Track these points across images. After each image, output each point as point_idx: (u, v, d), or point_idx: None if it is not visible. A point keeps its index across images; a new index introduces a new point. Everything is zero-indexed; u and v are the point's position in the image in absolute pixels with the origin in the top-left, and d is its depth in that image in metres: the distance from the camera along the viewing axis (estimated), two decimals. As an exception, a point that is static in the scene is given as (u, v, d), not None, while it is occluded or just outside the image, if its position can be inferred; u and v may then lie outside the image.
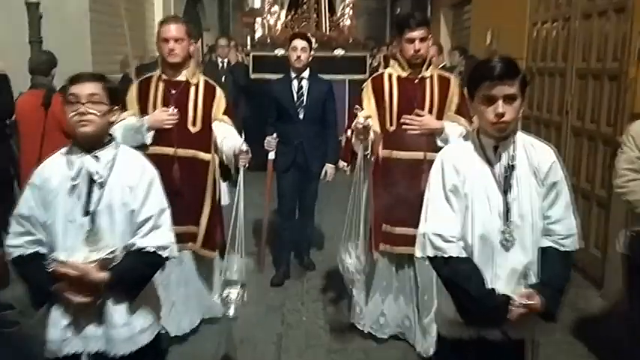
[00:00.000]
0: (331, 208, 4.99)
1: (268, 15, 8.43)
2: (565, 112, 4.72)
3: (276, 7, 9.75)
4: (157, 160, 2.29)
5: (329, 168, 4.23)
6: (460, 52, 7.15)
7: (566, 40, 4.75)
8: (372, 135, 3.05)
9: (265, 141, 3.80)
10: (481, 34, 6.58)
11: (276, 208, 4.46)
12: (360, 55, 7.84)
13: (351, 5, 8.08)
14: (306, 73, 4.25)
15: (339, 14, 8.71)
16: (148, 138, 3.16)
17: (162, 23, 3.21)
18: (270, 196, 4.18)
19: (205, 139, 3.26)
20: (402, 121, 3.16)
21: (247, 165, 3.01)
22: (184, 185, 3.13)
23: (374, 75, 3.50)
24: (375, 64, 7.45)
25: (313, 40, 8.09)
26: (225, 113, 3.31)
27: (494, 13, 6.57)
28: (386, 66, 7.72)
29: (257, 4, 17.21)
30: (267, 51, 7.81)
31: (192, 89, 3.21)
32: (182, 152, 3.18)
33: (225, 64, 7.20)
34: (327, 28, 8.38)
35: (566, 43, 4.73)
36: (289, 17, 8.64)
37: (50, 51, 4.39)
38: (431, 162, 2.14)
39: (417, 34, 3.12)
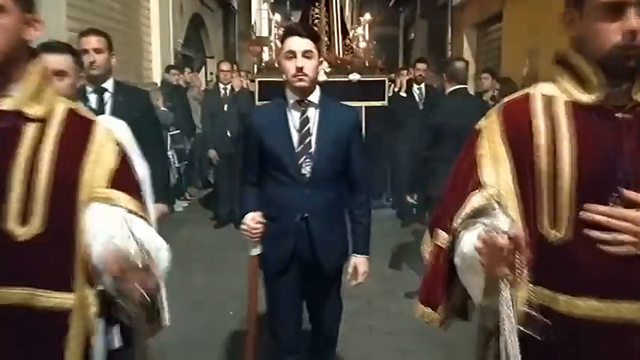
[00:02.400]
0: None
1: (276, 38, 7.71)
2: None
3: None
4: None
5: (359, 263, 2.51)
6: (492, 76, 6.36)
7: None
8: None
9: (242, 224, 2.34)
10: (514, 55, 5.78)
11: (270, 336, 2.61)
12: (378, 80, 7.05)
13: (367, 26, 7.32)
14: (314, 97, 2.39)
15: (352, 36, 7.97)
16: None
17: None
18: (254, 318, 2.53)
19: (55, 255, 1.32)
20: (586, 216, 1.30)
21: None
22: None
23: (510, 99, 1.52)
24: (397, 89, 6.66)
25: (325, 65, 7.48)
26: (122, 178, 1.38)
27: (532, 29, 5.78)
28: (408, 91, 7.01)
29: (264, 32, 16.66)
30: (274, 76, 7.03)
31: (31, 130, 1.32)
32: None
33: (227, 91, 6.44)
34: (340, 52, 7.63)
35: None
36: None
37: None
38: None
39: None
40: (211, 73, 10.87)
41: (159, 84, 7.57)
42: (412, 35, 14.37)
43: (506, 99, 1.52)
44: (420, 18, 12.70)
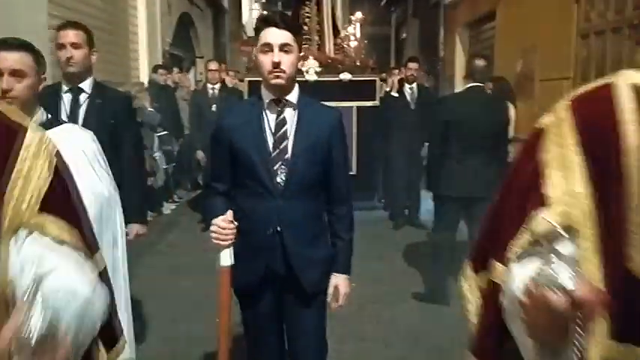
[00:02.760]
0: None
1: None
2: None
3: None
4: None
5: (340, 283, 2.21)
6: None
7: (634, 50, 3.82)
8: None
9: (211, 227, 1.99)
10: (508, 54, 5.67)
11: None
12: (370, 79, 6.94)
13: (357, 25, 7.20)
14: (293, 96, 2.07)
15: (343, 36, 7.86)
16: None
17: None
18: (225, 338, 2.12)
19: None
20: None
21: None
22: None
23: (582, 91, 1.21)
24: (388, 88, 6.54)
25: (316, 64, 7.37)
26: (56, 200, 1.16)
27: (527, 28, 5.67)
28: (400, 90, 6.91)
29: (256, 33, 16.43)
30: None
31: None
32: None
33: (216, 91, 6.28)
34: (331, 51, 7.50)
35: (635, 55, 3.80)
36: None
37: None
38: None
39: None
40: (201, 73, 10.69)
41: (146, 84, 7.40)
42: (404, 35, 14.27)
43: (577, 91, 1.19)
44: (412, 17, 12.61)
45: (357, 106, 6.91)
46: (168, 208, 7.53)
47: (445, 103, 4.11)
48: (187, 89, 8.26)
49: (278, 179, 2.02)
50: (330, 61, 6.95)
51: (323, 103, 2.25)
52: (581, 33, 4.53)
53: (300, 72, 6.96)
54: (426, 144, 6.11)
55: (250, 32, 17.70)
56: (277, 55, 1.92)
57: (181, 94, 7.95)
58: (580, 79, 4.58)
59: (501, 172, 4.24)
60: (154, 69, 7.39)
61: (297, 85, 2.09)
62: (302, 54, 2.17)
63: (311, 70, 6.85)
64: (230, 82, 6.36)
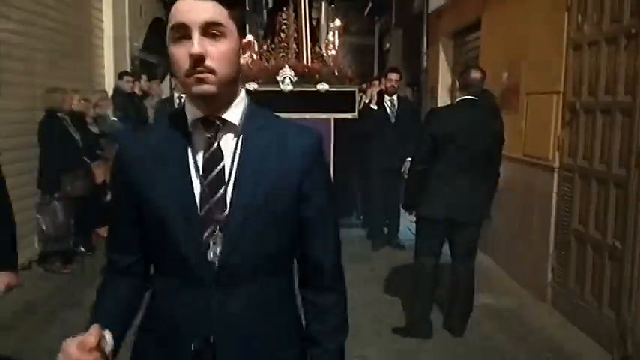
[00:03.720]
0: None
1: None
2: (636, 162, 3.39)
3: (250, 37, 8.51)
4: None
5: None
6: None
7: (630, 64, 3.47)
8: None
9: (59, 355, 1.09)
10: (493, 65, 5.32)
11: None
12: (348, 90, 6.56)
13: (336, 32, 6.83)
14: (234, 113, 1.26)
15: (323, 44, 7.47)
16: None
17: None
18: None
19: None
20: None
21: None
22: None
23: None
24: (367, 100, 6.15)
25: (292, 73, 6.97)
26: None
27: (513, 38, 5.33)
28: (379, 102, 6.53)
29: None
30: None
31: None
32: None
33: (183, 100, 5.85)
34: (309, 59, 7.12)
35: (633, 69, 3.45)
36: (264, 47, 7.39)
37: None
38: None
39: None
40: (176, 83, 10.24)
41: (111, 92, 6.96)
42: (387, 45, 13.96)
43: None
44: (396, 27, 12.29)
45: (335, 119, 6.52)
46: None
47: (436, 117, 3.74)
48: (158, 97, 7.82)
49: (210, 254, 1.20)
50: (306, 70, 6.56)
51: (292, 119, 1.45)
52: (572, 44, 4.19)
53: (274, 81, 6.58)
54: (408, 160, 5.77)
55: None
56: (198, 43, 1.13)
57: (151, 103, 7.52)
58: (571, 94, 4.23)
59: (491, 194, 3.89)
60: (120, 76, 6.95)
61: (243, 93, 1.31)
62: (248, 40, 1.31)
63: (286, 79, 6.46)
64: None
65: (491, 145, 3.70)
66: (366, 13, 15.31)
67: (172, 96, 5.93)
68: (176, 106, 5.84)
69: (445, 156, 3.65)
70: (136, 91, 7.35)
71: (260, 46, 7.54)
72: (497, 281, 5.13)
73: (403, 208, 4.18)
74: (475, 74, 3.71)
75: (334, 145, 6.56)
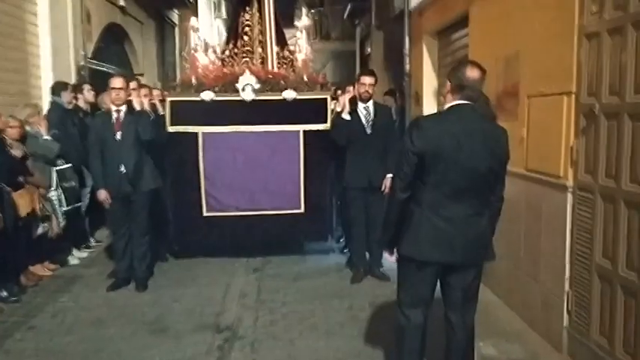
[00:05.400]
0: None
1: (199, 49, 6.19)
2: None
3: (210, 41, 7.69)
4: None
5: None
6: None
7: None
8: None
9: None
10: (485, 64, 4.45)
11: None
12: (319, 98, 5.69)
13: (304, 32, 5.97)
14: None
15: (293, 47, 6.60)
16: None
17: None
18: None
19: None
20: None
21: None
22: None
23: None
24: (339, 108, 5.25)
25: (254, 80, 6.05)
26: None
27: (508, 30, 4.50)
28: (352, 110, 5.10)
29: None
30: (190, 95, 5.63)
31: None
32: None
33: (122, 114, 4.92)
34: (275, 65, 6.26)
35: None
36: (227, 51, 6.52)
37: None
38: None
39: None
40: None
41: (46, 106, 6.04)
42: (369, 50, 13.15)
43: None
44: (376, 30, 11.47)
45: (305, 131, 5.65)
46: (77, 257, 6.14)
47: (421, 129, 2.82)
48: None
49: None
50: (271, 76, 5.68)
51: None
52: (585, 31, 3.35)
53: (234, 90, 5.70)
54: (388, 176, 4.90)
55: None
56: None
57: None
58: (586, 94, 3.38)
59: (494, 226, 3.03)
60: (53, 89, 6.03)
61: None
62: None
63: (248, 87, 5.57)
64: (144, 103, 4.99)
65: (497, 165, 2.84)
66: (345, 16, 14.52)
67: (110, 109, 5.00)
68: (113, 120, 4.92)
69: (434, 179, 2.78)
70: (80, 104, 6.43)
71: (222, 51, 6.68)
72: (499, 322, 4.25)
73: (380, 246, 3.29)
74: (472, 72, 2.83)
75: (304, 161, 5.70)
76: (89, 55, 7.58)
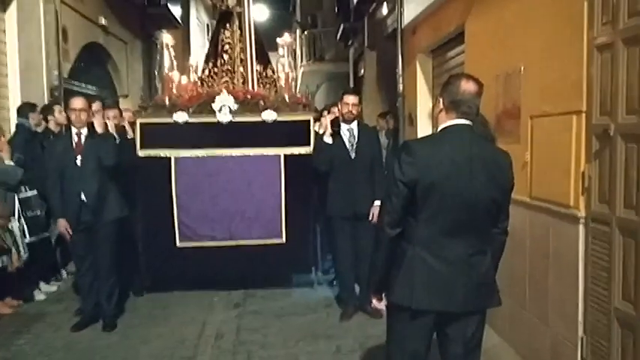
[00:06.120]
0: None
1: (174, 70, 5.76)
2: None
3: (192, 61, 7.31)
4: None
5: None
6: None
7: None
8: None
9: None
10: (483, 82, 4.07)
11: None
12: (301, 120, 5.29)
13: (286, 48, 5.59)
14: None
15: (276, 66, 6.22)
16: None
17: None
18: None
19: None
20: None
21: None
22: None
23: None
24: (321, 130, 4.80)
25: (231, 100, 5.63)
26: None
27: (508, 44, 4.13)
28: (335, 133, 4.63)
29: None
30: (163, 116, 5.22)
31: None
32: None
33: (82, 137, 4.49)
34: (256, 84, 5.87)
35: None
36: (207, 71, 6.14)
37: None
38: None
39: None
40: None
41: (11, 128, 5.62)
42: (362, 71, 12.83)
43: None
44: (369, 50, 11.15)
45: (286, 155, 5.24)
46: (45, 291, 5.66)
47: (413, 154, 2.39)
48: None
49: None
50: (249, 96, 5.28)
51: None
52: (596, 43, 2.96)
53: (210, 111, 5.29)
54: (376, 204, 4.47)
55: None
56: None
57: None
58: (599, 113, 2.98)
59: (497, 264, 2.59)
60: (19, 110, 5.62)
61: None
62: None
63: (225, 108, 5.17)
64: (110, 125, 4.55)
65: (496, 194, 2.41)
66: (338, 37, 14.22)
67: (70, 131, 4.55)
68: (73, 144, 4.47)
69: (429, 213, 2.34)
70: (51, 126, 6.01)
71: (202, 70, 6.31)
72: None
73: (368, 290, 2.84)
74: (467, 85, 2.41)
75: (285, 187, 5.27)
76: (65, 75, 7.18)
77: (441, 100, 2.50)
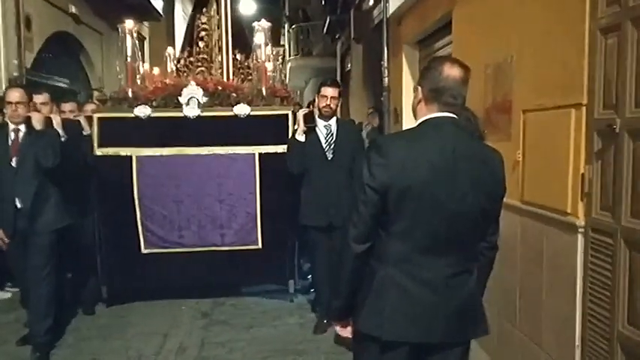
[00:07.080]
0: None
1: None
2: None
3: (170, 50, 6.93)
4: None
5: None
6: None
7: None
8: None
9: None
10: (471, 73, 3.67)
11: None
12: (278, 114, 4.86)
13: (263, 34, 5.15)
14: None
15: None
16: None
17: None
18: None
19: None
20: None
21: None
22: None
23: None
24: (296, 126, 4.37)
25: (200, 93, 5.03)
26: None
27: (498, 32, 3.75)
28: (310, 130, 4.15)
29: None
30: (123, 110, 4.78)
31: None
32: None
33: (21, 134, 3.99)
34: (231, 74, 5.44)
35: None
36: (182, 60, 5.70)
37: None
38: None
39: None
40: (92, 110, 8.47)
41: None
42: (349, 66, 12.42)
43: None
44: (356, 43, 10.75)
45: (261, 153, 4.81)
46: (-3, 300, 5.23)
47: (384, 155, 1.97)
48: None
49: None
50: (220, 88, 4.85)
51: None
52: (600, 25, 2.57)
53: (177, 104, 4.86)
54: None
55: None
56: None
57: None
58: (601, 107, 2.59)
59: (484, 283, 2.20)
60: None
61: None
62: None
63: (192, 101, 4.74)
64: (55, 121, 4.05)
65: (485, 202, 2.00)
66: (325, 30, 13.80)
67: (7, 128, 4.03)
68: (10, 141, 3.97)
69: (403, 226, 1.94)
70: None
71: (178, 60, 5.87)
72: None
73: (330, 318, 2.44)
74: (451, 70, 2.00)
75: (260, 189, 4.85)
76: (27, 65, 6.72)
77: (419, 88, 2.09)
